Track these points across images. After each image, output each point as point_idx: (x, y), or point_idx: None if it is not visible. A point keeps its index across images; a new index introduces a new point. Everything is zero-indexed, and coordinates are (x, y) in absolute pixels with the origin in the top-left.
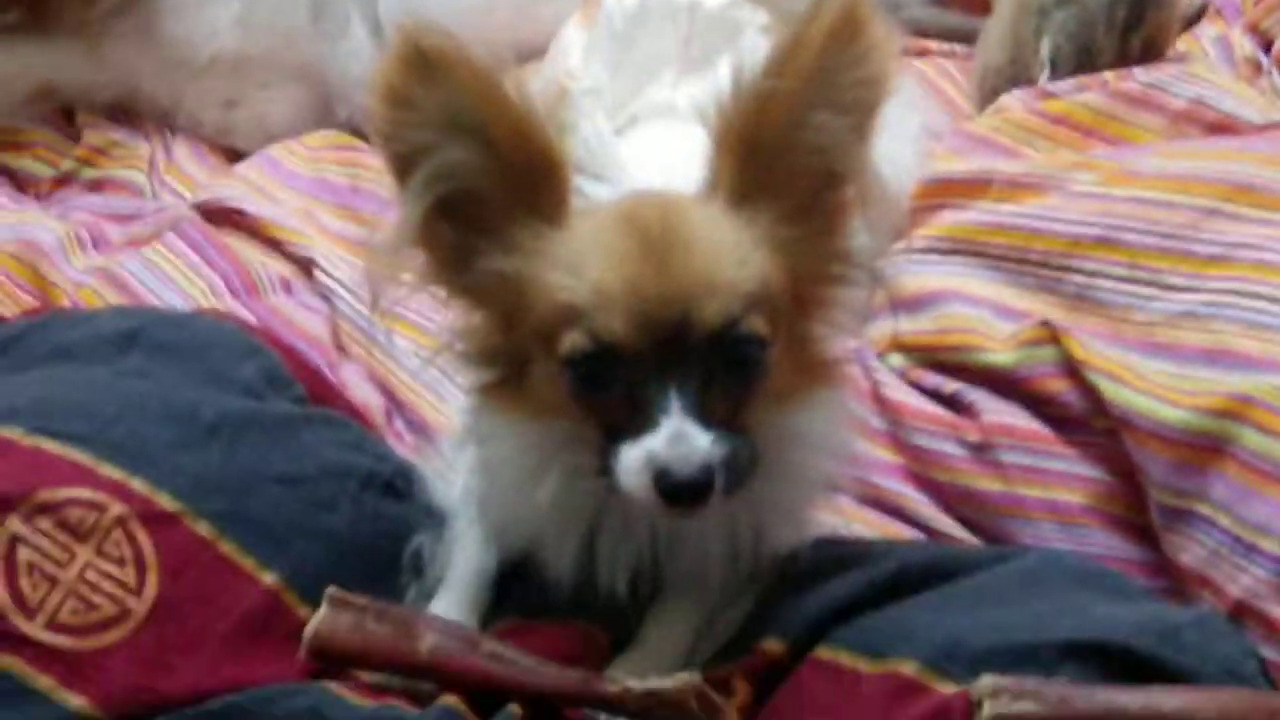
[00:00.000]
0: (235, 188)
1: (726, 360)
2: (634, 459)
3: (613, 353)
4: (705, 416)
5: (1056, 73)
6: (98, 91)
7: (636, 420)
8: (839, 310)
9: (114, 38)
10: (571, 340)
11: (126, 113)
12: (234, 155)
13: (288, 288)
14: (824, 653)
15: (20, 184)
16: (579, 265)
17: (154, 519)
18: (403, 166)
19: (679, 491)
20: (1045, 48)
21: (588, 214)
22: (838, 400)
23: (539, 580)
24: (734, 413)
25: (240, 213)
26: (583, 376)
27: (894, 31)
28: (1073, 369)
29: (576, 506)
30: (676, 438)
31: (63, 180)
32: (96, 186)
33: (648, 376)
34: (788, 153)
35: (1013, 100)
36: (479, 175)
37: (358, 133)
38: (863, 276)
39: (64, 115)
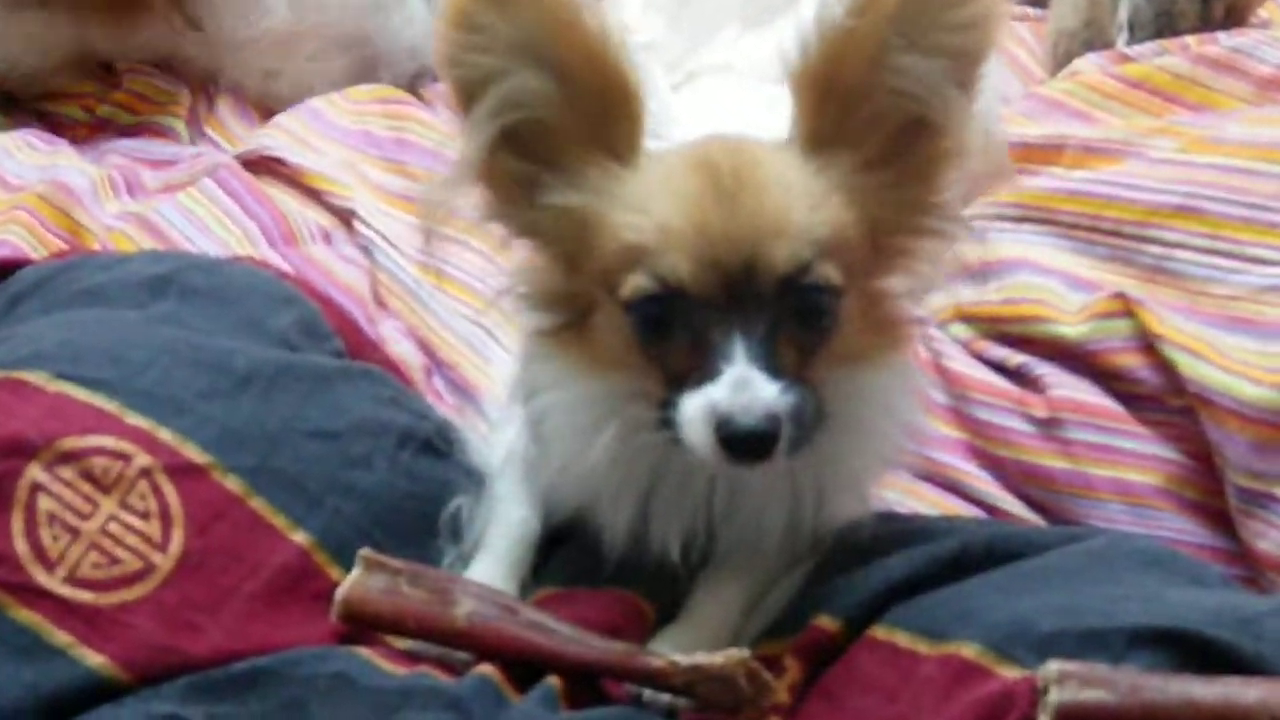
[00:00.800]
0: (275, 137)
1: (796, 309)
2: (695, 408)
3: (677, 296)
4: (772, 366)
5: (1134, 37)
6: (134, 55)
7: (700, 368)
8: (922, 262)
9: (151, 12)
10: (635, 282)
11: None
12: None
13: (327, 239)
14: (880, 632)
15: (56, 128)
16: (646, 205)
17: (181, 471)
18: (468, 93)
19: (741, 443)
20: (1124, 10)
21: (659, 156)
22: (907, 365)
23: (584, 546)
24: (802, 365)
25: (280, 162)
26: (645, 320)
27: None
28: (1147, 343)
29: (633, 464)
30: (740, 385)
31: (99, 125)
32: (133, 132)
33: (712, 322)
34: (867, 97)
35: (1088, 64)
36: (550, 106)
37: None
38: (958, 231)
39: (104, 67)
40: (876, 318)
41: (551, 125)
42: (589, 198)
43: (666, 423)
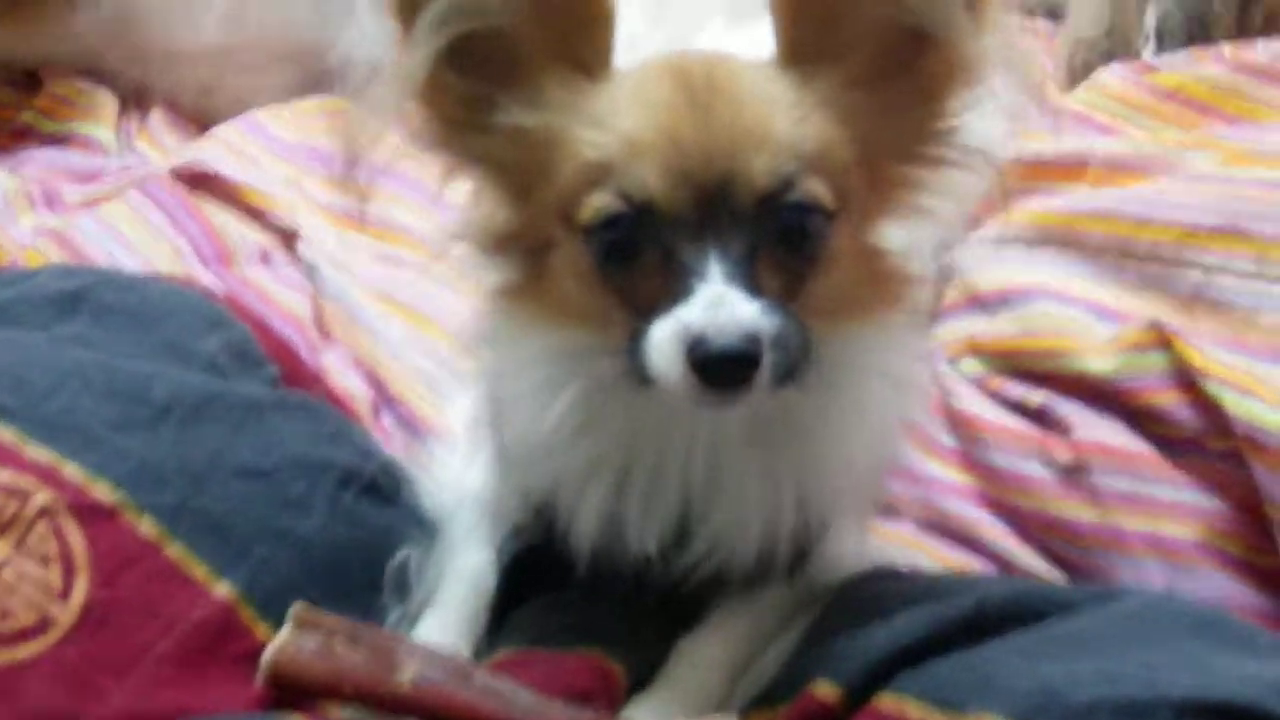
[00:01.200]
0: (212, 150)
1: (779, 229)
2: (665, 332)
3: (645, 214)
4: (751, 286)
5: (1163, 45)
6: (60, 62)
7: (670, 293)
8: (926, 195)
9: (79, 21)
10: (597, 202)
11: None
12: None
13: (266, 260)
14: (886, 702)
15: None
16: (610, 119)
17: (87, 512)
18: (410, 1)
19: (716, 365)
20: (1152, 17)
21: (627, 70)
22: (907, 332)
23: (545, 603)
24: (787, 295)
25: (216, 176)
26: (608, 248)
27: None
28: (1187, 379)
29: (602, 438)
30: (715, 302)
31: (18, 134)
32: (55, 141)
33: (684, 240)
34: (855, 4)
35: (1110, 74)
36: (509, 14)
37: None
38: (971, 159)
39: (29, 76)
40: (874, 267)
41: (509, 36)
42: (548, 116)
43: (633, 356)
